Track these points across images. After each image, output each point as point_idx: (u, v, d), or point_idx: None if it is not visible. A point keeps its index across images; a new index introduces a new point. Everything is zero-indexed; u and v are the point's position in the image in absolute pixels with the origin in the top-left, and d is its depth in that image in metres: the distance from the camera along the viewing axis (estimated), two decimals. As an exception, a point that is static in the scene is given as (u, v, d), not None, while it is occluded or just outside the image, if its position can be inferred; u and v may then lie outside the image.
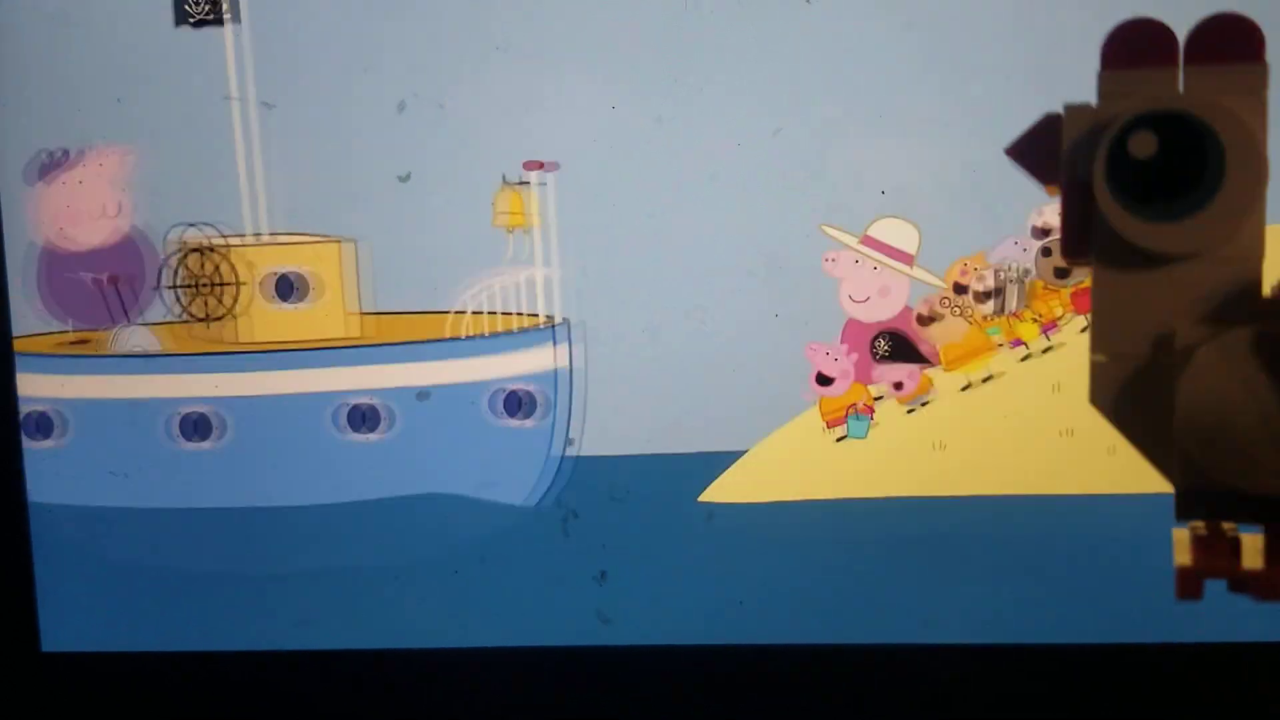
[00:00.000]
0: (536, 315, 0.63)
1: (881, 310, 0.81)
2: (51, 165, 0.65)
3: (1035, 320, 0.81)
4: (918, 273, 0.80)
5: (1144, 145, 0.29)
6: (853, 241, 0.79)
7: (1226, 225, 0.29)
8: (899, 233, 0.80)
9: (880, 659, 0.71)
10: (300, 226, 0.62)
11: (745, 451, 0.74)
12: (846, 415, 0.83)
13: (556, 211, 0.60)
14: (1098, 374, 0.33)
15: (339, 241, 0.64)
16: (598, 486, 0.65)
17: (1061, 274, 0.77)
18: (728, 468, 0.73)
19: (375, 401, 0.64)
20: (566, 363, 0.65)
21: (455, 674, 0.58)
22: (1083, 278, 0.75)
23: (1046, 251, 0.78)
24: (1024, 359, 0.79)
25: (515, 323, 0.63)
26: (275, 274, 0.63)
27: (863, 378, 0.84)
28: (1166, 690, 0.68)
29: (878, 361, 0.84)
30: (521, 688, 0.59)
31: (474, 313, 0.62)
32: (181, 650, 0.57)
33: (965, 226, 0.72)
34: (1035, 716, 0.71)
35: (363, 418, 0.63)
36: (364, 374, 0.62)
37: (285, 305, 0.62)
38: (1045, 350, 0.78)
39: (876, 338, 0.82)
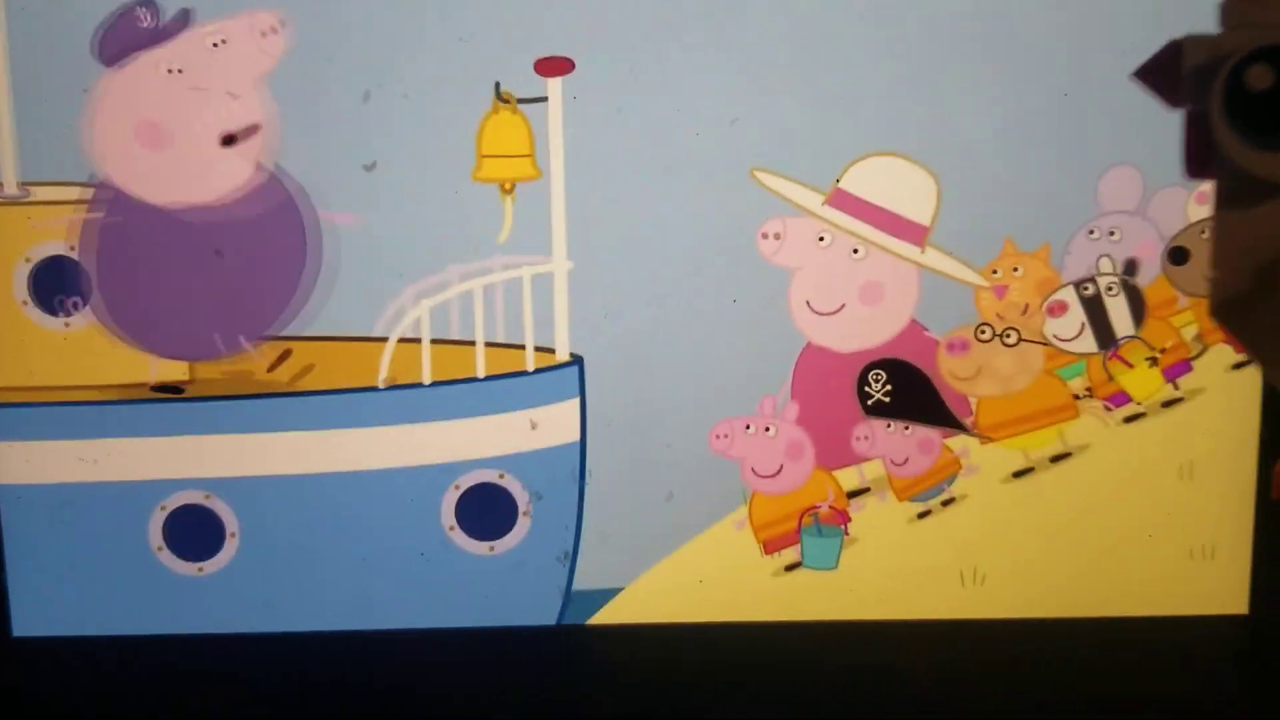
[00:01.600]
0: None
1: (867, 329, 0.57)
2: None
3: (1152, 358, 0.58)
4: (934, 259, 0.57)
5: (1260, 78, 0.30)
6: (812, 201, 0.55)
7: None
8: (899, 184, 0.55)
9: None
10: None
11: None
12: (800, 529, 0.59)
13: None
14: (1219, 289, 0.31)
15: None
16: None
17: (1179, 257, 0.55)
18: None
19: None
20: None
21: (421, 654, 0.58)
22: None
23: (1179, 255, 0.57)
24: (1129, 420, 0.58)
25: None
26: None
27: (830, 458, 0.59)
28: None
29: (868, 415, 0.58)
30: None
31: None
32: (153, 634, 0.60)
33: (1008, 197, 0.55)
34: None
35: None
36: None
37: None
38: (1169, 404, 0.58)
39: (867, 373, 0.58)
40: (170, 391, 0.56)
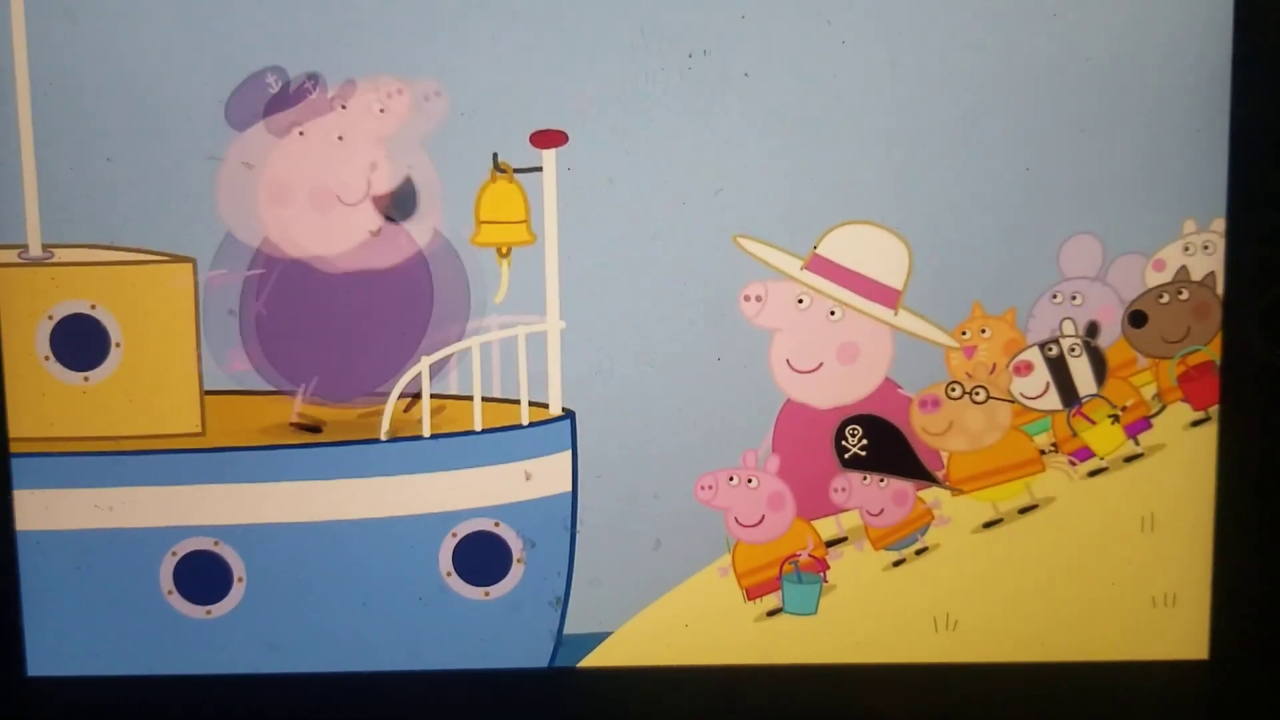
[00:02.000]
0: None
1: (844, 386, 0.58)
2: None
3: (1114, 415, 0.59)
4: (906, 320, 0.59)
5: None
6: (792, 266, 0.57)
7: None
8: (872, 251, 0.57)
9: None
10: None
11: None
12: (780, 575, 0.60)
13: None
14: None
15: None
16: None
17: (1138, 321, 0.57)
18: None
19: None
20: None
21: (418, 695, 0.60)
22: (1196, 345, 0.59)
23: (1138, 319, 0.60)
24: (1092, 475, 0.60)
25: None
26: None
27: (809, 508, 0.60)
28: None
29: (845, 468, 0.59)
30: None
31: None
32: (162, 675, 0.61)
33: (976, 264, 0.58)
34: None
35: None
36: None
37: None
38: (1131, 460, 0.60)
39: (844, 428, 0.59)
40: (309, 430, 0.58)
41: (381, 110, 0.57)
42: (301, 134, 0.57)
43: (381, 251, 0.58)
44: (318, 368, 0.59)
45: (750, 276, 0.58)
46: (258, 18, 0.57)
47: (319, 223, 0.58)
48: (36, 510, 0.60)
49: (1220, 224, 0.58)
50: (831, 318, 0.58)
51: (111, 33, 0.57)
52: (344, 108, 0.57)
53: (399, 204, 0.58)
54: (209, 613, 0.61)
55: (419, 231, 0.58)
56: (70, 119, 0.57)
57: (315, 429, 0.58)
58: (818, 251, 0.58)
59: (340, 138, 0.57)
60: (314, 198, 0.58)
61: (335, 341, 0.59)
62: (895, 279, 0.58)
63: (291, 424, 0.59)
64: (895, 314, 0.58)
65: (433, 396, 0.59)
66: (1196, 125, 0.57)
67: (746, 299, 0.58)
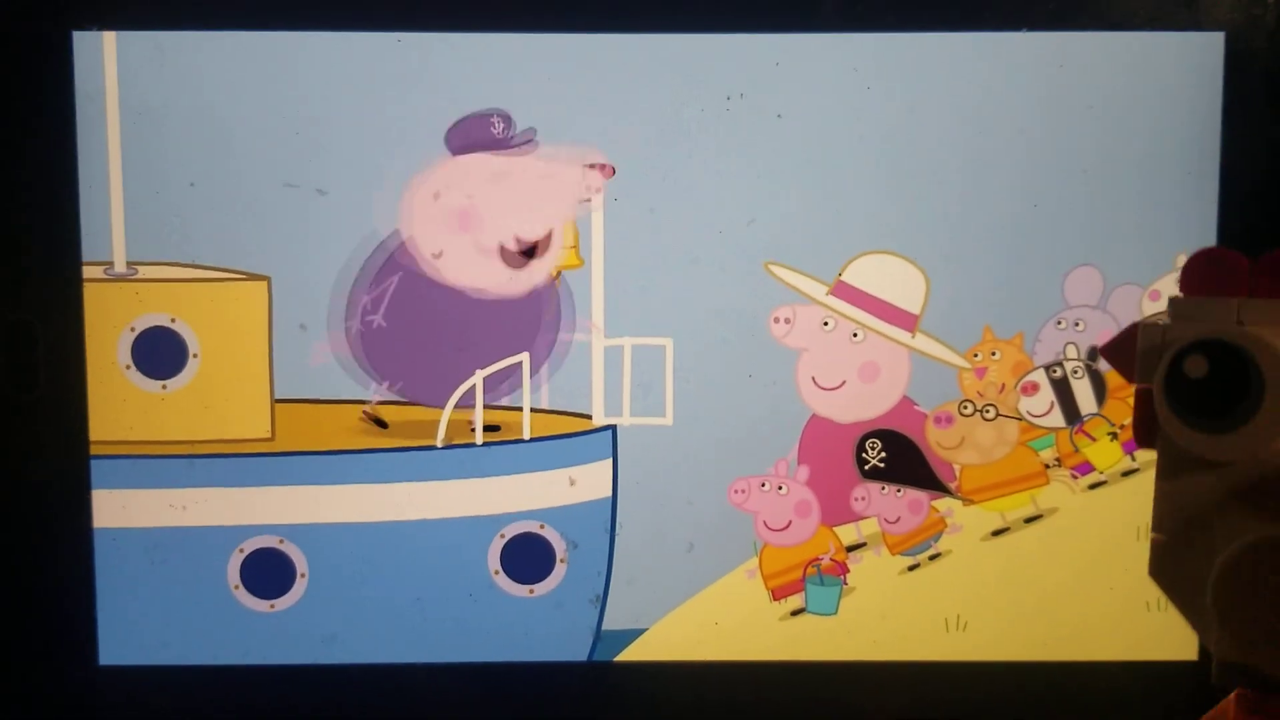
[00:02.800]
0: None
1: (865, 403, 0.62)
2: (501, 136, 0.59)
3: (1113, 433, 0.62)
4: (923, 343, 0.62)
5: (1196, 367, 0.32)
6: (818, 291, 0.60)
7: (1261, 442, 0.32)
8: (892, 278, 0.60)
9: None
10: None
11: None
12: (804, 578, 0.63)
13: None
14: (1157, 551, 0.34)
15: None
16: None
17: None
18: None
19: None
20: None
21: (466, 685, 0.62)
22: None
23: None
24: (1093, 488, 0.62)
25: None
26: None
27: (832, 515, 0.63)
28: None
29: (865, 478, 0.62)
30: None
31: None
32: (226, 664, 0.64)
33: (986, 292, 0.61)
34: None
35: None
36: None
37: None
38: (1128, 474, 0.63)
39: (864, 441, 0.62)
40: (377, 424, 0.62)
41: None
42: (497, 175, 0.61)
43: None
44: (410, 370, 0.63)
45: (780, 300, 0.62)
46: (325, 55, 0.61)
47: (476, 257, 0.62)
48: (114, 509, 0.63)
49: (1210, 258, 0.62)
50: (854, 339, 0.62)
51: (196, 66, 0.61)
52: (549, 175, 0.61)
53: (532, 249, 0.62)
54: (272, 606, 0.64)
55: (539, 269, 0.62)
56: (156, 146, 0.61)
57: (382, 424, 0.62)
58: (842, 278, 0.62)
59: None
60: (483, 231, 0.62)
61: (436, 349, 0.62)
62: (913, 304, 0.62)
63: (364, 412, 0.63)
64: (913, 337, 0.62)
65: (487, 407, 0.63)
66: (1189, 168, 0.61)
67: (776, 321, 0.62)
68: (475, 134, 0.61)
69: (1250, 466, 0.33)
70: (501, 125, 0.61)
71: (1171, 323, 0.35)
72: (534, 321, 0.62)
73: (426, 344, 0.63)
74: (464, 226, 0.62)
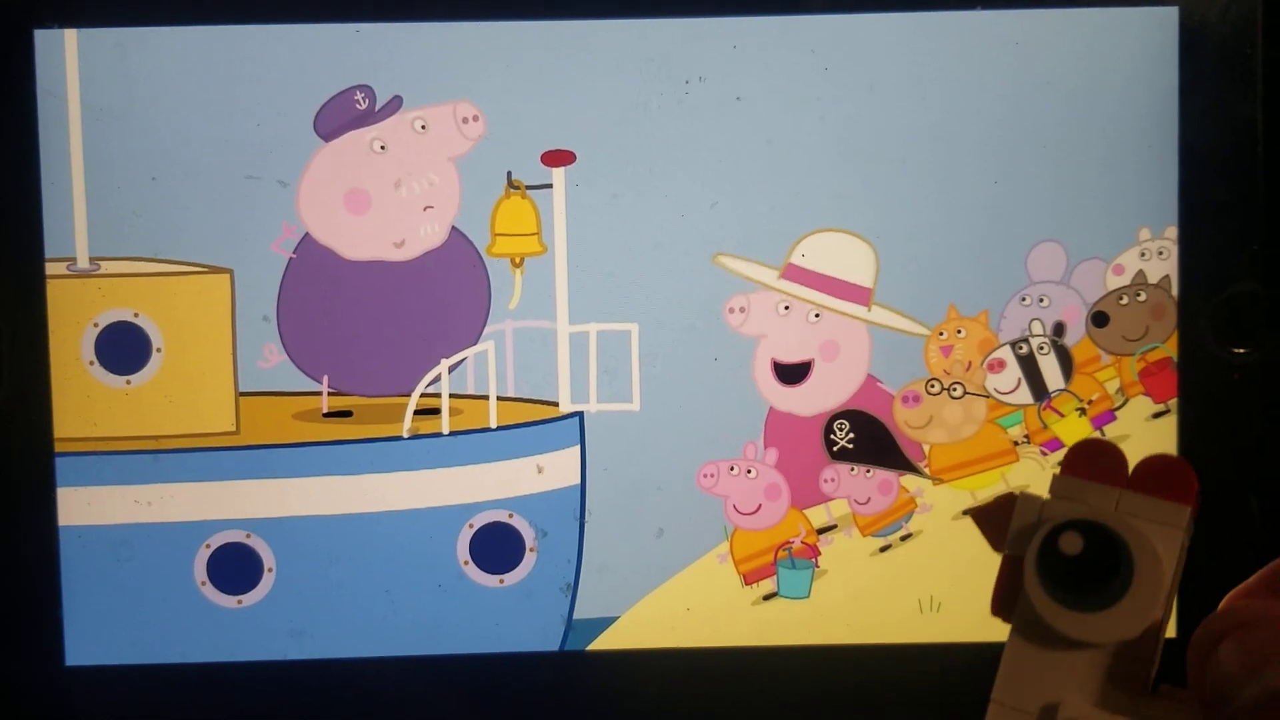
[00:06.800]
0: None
1: (828, 386, 0.62)
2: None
3: (1081, 409, 0.63)
4: (881, 315, 0.62)
5: (1071, 544, 0.34)
6: (769, 276, 0.61)
7: (1124, 629, 0.34)
8: (842, 255, 0.60)
9: None
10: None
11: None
12: (775, 561, 0.63)
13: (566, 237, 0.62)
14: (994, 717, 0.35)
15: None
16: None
17: (1100, 321, 0.60)
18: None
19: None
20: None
21: (438, 677, 0.62)
22: (1154, 342, 0.62)
23: (1100, 319, 0.63)
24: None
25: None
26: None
27: (802, 498, 0.63)
28: None
29: (833, 460, 0.62)
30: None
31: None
32: (195, 662, 0.64)
33: (950, 269, 0.61)
34: None
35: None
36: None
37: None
38: None
39: (832, 422, 0.62)
40: (340, 415, 0.62)
41: (424, 128, 0.62)
42: (383, 148, 0.62)
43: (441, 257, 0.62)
44: (333, 364, 0.63)
45: (735, 289, 0.62)
46: (288, 48, 0.62)
47: (384, 230, 0.62)
48: (79, 506, 0.63)
49: (1173, 231, 0.63)
50: (813, 320, 0.62)
51: (157, 63, 0.61)
52: (423, 128, 0.62)
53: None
54: (240, 602, 0.64)
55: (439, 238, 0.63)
56: (117, 142, 0.61)
57: (346, 414, 0.62)
58: (790, 261, 0.62)
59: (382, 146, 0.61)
60: (381, 206, 0.62)
61: (351, 339, 0.63)
62: (864, 279, 0.62)
63: (325, 414, 0.63)
64: (869, 310, 0.62)
65: (452, 396, 0.63)
66: (1148, 142, 0.62)
67: (731, 311, 0.62)
68: (340, 115, 0.61)
69: (1108, 650, 0.34)
70: (365, 99, 0.61)
71: (1051, 499, 0.36)
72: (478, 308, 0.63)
73: (364, 335, 0.63)
74: (357, 208, 0.62)
